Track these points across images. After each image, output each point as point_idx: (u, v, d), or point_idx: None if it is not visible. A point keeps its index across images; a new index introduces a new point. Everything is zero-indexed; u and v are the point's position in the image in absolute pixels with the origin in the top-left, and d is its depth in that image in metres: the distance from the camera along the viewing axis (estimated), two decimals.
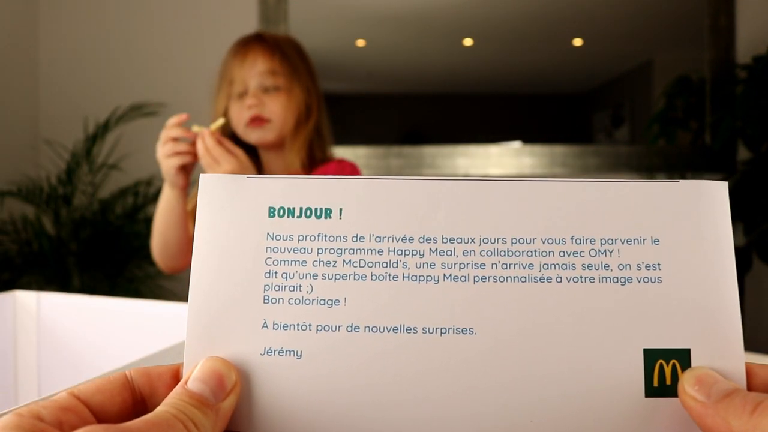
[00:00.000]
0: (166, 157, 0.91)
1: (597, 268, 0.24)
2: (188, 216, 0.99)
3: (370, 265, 0.24)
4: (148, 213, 1.88)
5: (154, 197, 1.86)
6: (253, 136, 0.99)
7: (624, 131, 2.53)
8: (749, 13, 2.03)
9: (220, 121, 0.94)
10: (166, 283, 1.89)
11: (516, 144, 2.38)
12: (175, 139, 0.91)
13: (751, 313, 1.89)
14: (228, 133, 1.01)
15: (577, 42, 3.15)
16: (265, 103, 0.98)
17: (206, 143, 0.87)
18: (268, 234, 0.25)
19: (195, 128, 0.90)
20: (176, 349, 0.38)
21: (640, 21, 2.99)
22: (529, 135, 2.49)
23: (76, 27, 2.08)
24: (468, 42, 3.78)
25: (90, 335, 0.56)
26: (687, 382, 0.22)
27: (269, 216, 0.25)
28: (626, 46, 3.07)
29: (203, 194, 0.25)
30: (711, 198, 0.24)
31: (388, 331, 0.24)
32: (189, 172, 0.94)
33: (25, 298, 0.58)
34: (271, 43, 1.00)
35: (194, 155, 0.90)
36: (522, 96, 2.71)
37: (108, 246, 1.80)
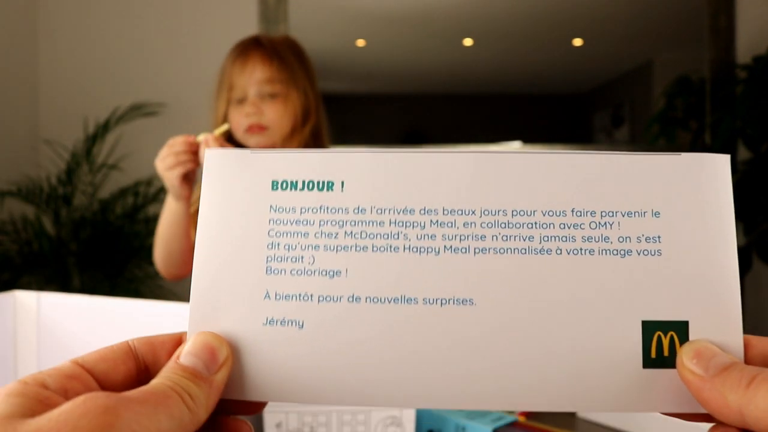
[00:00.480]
0: (168, 169, 0.92)
1: (597, 240, 0.24)
2: (190, 221, 1.00)
3: (371, 236, 0.25)
4: (148, 213, 1.88)
5: (154, 197, 1.86)
6: (251, 141, 1.01)
7: (624, 131, 2.53)
8: (749, 13, 2.03)
9: (225, 127, 0.96)
10: (166, 283, 1.89)
11: (516, 144, 2.38)
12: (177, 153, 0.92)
13: (751, 313, 1.89)
14: (229, 137, 1.03)
15: (577, 42, 3.15)
16: (263, 111, 1.00)
17: (211, 147, 0.88)
18: (271, 206, 0.25)
19: (201, 137, 0.92)
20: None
21: (640, 21, 2.99)
22: (529, 135, 2.49)
23: (76, 27, 2.08)
24: (468, 42, 3.77)
25: (90, 335, 0.56)
26: (685, 355, 0.22)
27: (272, 189, 0.25)
28: (626, 46, 3.07)
29: (208, 169, 0.25)
30: (713, 171, 0.24)
31: (389, 302, 0.24)
32: (192, 180, 0.95)
33: (25, 298, 0.58)
34: (269, 49, 1.02)
35: (195, 161, 0.92)
36: (522, 96, 2.71)
37: (108, 246, 1.80)
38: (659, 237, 0.24)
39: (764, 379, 0.19)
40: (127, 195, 1.87)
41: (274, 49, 1.02)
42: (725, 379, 0.20)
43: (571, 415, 0.73)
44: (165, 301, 0.55)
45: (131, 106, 1.89)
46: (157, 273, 1.89)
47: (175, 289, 1.87)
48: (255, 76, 1.00)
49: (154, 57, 2.07)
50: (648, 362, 0.23)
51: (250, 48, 1.02)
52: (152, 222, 1.87)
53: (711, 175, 0.24)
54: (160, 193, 1.87)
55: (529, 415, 0.74)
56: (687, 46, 2.51)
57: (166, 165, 0.92)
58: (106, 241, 1.80)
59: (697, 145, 2.02)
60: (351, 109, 2.60)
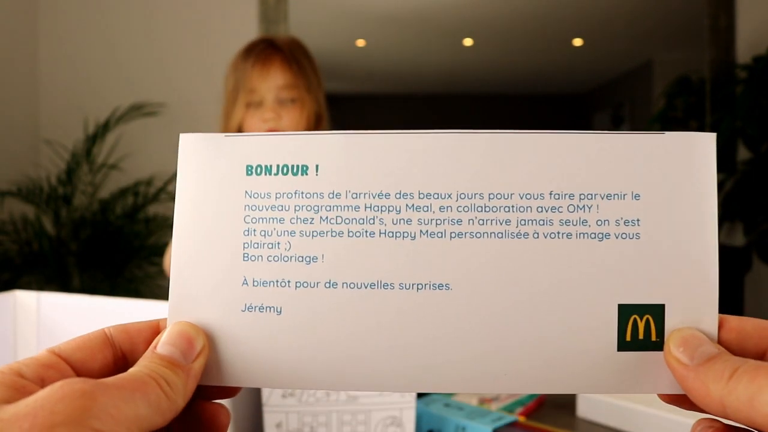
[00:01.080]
0: None
1: (575, 224, 0.24)
2: None
3: (347, 221, 0.24)
4: (148, 213, 1.88)
5: (154, 197, 1.86)
6: None
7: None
8: (749, 13, 2.03)
9: None
10: (166, 283, 1.88)
11: None
12: None
13: (751, 313, 1.89)
14: None
15: (577, 42, 3.14)
16: (281, 116, 1.02)
17: None
18: (246, 192, 0.25)
19: None
20: None
21: (640, 21, 2.99)
22: None
23: (76, 27, 2.08)
24: (468, 42, 3.77)
25: None
26: (673, 343, 0.22)
27: (247, 174, 0.25)
28: (626, 46, 3.07)
29: (183, 154, 0.25)
30: (698, 151, 0.24)
31: (366, 287, 0.24)
32: None
33: (25, 298, 0.58)
34: (288, 54, 1.03)
35: None
36: (522, 96, 2.71)
37: (108, 246, 1.80)
38: (638, 220, 0.24)
39: (745, 371, 0.19)
40: (127, 195, 1.87)
41: (292, 54, 1.03)
42: (709, 369, 0.20)
43: (572, 415, 0.73)
44: (165, 301, 0.55)
45: (131, 106, 1.89)
46: (157, 273, 1.89)
47: None
48: (275, 82, 1.01)
49: (154, 57, 2.07)
50: (623, 345, 0.23)
51: (269, 52, 1.02)
52: (152, 222, 1.88)
53: (696, 155, 0.24)
54: (160, 193, 1.87)
55: (529, 415, 0.74)
56: (687, 46, 2.51)
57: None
58: (106, 241, 1.80)
59: None
60: (351, 109, 2.60)
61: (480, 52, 3.66)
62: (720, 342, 0.23)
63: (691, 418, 0.64)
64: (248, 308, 0.24)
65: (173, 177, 2.22)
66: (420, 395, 0.72)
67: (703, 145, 0.24)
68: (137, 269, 1.86)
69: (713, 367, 0.20)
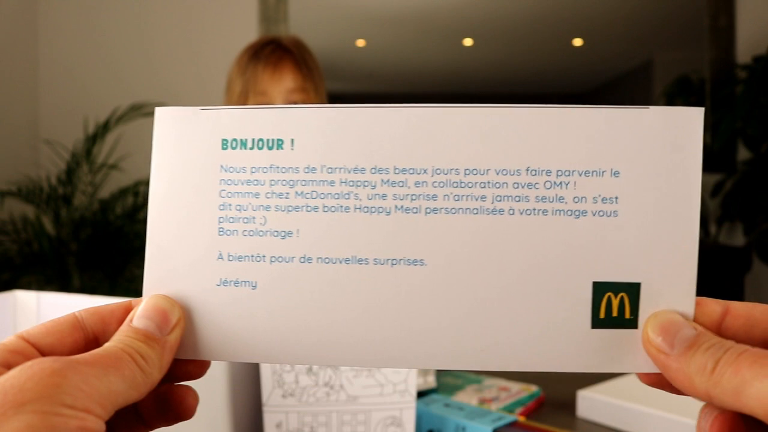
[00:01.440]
0: None
1: (551, 200, 0.23)
2: None
3: (322, 196, 0.24)
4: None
5: None
6: None
7: None
8: (749, 13, 2.03)
9: None
10: None
11: None
12: None
13: None
14: None
15: (577, 42, 3.14)
16: None
17: None
18: (221, 166, 0.25)
19: None
20: None
21: (640, 21, 2.98)
22: None
23: (76, 27, 2.08)
24: (468, 42, 3.77)
25: None
26: (651, 330, 0.22)
27: (222, 148, 0.25)
28: (626, 46, 3.07)
29: (158, 128, 0.25)
30: (684, 127, 0.23)
31: (340, 263, 0.24)
32: None
33: (25, 298, 0.58)
34: (298, 56, 1.02)
35: None
36: (522, 96, 2.71)
37: (108, 246, 1.80)
38: (617, 197, 0.23)
39: (727, 363, 0.19)
40: (127, 195, 1.87)
41: (302, 56, 1.02)
42: (690, 361, 0.20)
43: (572, 415, 0.73)
44: None
45: (131, 106, 1.89)
46: None
47: None
48: (285, 84, 1.00)
49: (154, 57, 2.07)
50: (597, 323, 0.23)
51: (279, 54, 1.01)
52: None
53: (681, 131, 0.23)
54: None
55: (529, 415, 0.74)
56: (687, 46, 2.51)
57: None
58: (106, 241, 1.80)
59: None
60: None
61: (480, 52, 3.66)
62: (726, 329, 0.22)
63: (691, 418, 0.64)
64: (223, 283, 0.24)
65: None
66: (420, 395, 0.72)
67: (690, 119, 0.23)
68: (137, 269, 1.86)
69: (694, 359, 0.20)
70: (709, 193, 1.91)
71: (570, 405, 0.76)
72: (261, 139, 0.25)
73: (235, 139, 0.25)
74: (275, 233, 0.24)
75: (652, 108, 0.23)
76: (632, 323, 0.23)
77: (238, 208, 0.25)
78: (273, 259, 0.24)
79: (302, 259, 0.24)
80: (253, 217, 0.24)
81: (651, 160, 0.23)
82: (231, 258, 0.24)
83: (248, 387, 0.51)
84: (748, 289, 1.85)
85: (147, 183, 1.86)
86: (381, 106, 0.24)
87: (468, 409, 0.62)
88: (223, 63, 2.12)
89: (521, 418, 0.60)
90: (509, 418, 0.60)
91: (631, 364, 0.23)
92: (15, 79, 1.98)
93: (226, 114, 0.25)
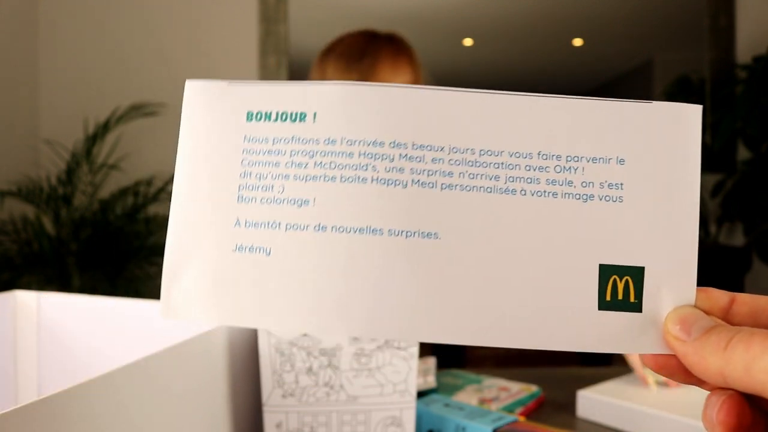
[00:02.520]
0: None
1: (561, 183, 0.24)
2: None
3: (340, 167, 0.25)
4: (148, 213, 1.88)
5: (155, 197, 1.86)
6: None
7: None
8: (749, 13, 2.03)
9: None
10: None
11: None
12: None
13: None
14: None
15: (577, 42, 3.14)
16: None
17: None
18: (245, 137, 0.26)
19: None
20: (177, 348, 0.38)
21: (640, 21, 2.98)
22: None
23: (76, 27, 2.08)
24: (468, 42, 3.77)
25: (90, 335, 0.56)
26: (670, 322, 0.23)
27: (247, 120, 0.26)
28: (626, 46, 3.07)
29: (188, 100, 0.26)
30: (684, 121, 0.24)
31: (355, 232, 0.24)
32: None
33: (25, 298, 0.58)
34: (408, 52, 1.00)
35: None
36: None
37: (108, 246, 1.80)
38: (622, 184, 0.24)
39: (739, 341, 0.20)
40: (127, 195, 1.87)
41: (410, 50, 1.00)
42: (705, 342, 0.21)
43: (572, 415, 0.73)
44: None
45: (131, 106, 1.89)
46: (157, 273, 1.89)
47: None
48: (403, 79, 0.98)
49: (154, 57, 2.07)
50: (603, 305, 0.24)
51: (397, 48, 0.99)
52: (152, 222, 1.87)
53: (681, 124, 0.24)
54: (160, 193, 1.87)
55: (529, 415, 0.74)
56: (687, 46, 2.51)
57: None
58: (106, 241, 1.80)
59: None
60: None
61: (480, 52, 3.66)
62: (732, 317, 0.23)
63: (691, 418, 0.64)
64: (239, 248, 0.25)
65: (173, 177, 2.25)
66: (420, 395, 0.72)
67: (690, 115, 0.24)
68: (137, 269, 1.86)
69: (710, 339, 0.21)
70: (709, 193, 1.91)
71: (570, 405, 0.76)
72: (285, 113, 0.25)
73: (260, 112, 0.26)
74: (292, 201, 0.25)
75: (655, 103, 0.25)
76: (636, 307, 0.24)
77: (257, 176, 0.25)
78: (288, 227, 0.25)
79: (317, 228, 0.24)
80: (272, 186, 0.25)
81: (654, 151, 0.24)
82: (248, 224, 0.25)
83: (248, 387, 0.51)
84: (748, 289, 1.85)
85: (147, 183, 1.87)
86: (401, 86, 0.25)
87: (468, 409, 0.62)
88: (223, 63, 2.12)
89: (521, 418, 0.60)
90: (509, 418, 0.59)
91: (636, 345, 0.24)
92: (15, 79, 1.98)
93: (253, 88, 0.26)
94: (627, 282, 0.24)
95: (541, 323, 0.24)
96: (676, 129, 0.24)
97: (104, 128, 1.82)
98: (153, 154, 2.00)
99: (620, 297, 0.24)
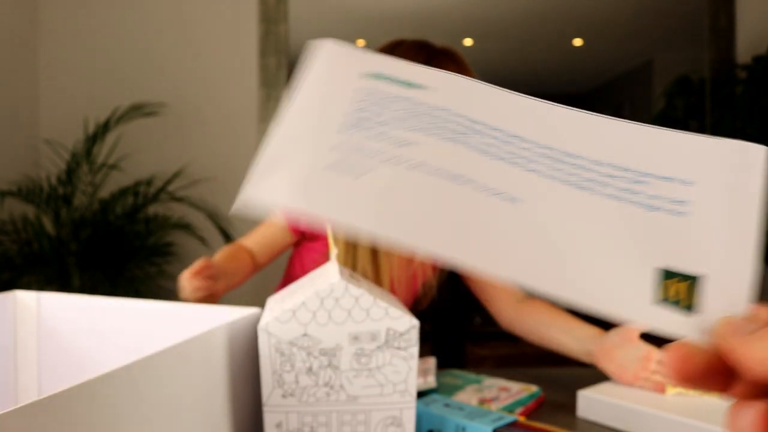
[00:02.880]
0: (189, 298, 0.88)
1: (632, 192, 0.27)
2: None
3: (445, 128, 0.28)
4: (148, 213, 1.88)
5: (155, 197, 1.86)
6: None
7: None
8: (749, 13, 2.03)
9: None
10: (166, 283, 1.89)
11: None
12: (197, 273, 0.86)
13: None
14: None
15: (577, 42, 3.14)
16: None
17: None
18: (363, 87, 0.29)
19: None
20: (177, 348, 0.38)
21: (640, 21, 2.98)
22: None
23: (77, 27, 2.08)
24: (468, 42, 3.76)
25: (90, 335, 0.56)
26: (721, 327, 0.24)
27: (368, 77, 0.30)
28: (626, 46, 3.07)
29: (319, 53, 0.30)
30: (749, 157, 0.27)
31: (446, 179, 0.27)
32: (216, 299, 0.92)
33: (25, 298, 0.58)
34: (470, 74, 0.97)
35: (207, 289, 0.85)
36: None
37: (108, 246, 1.80)
38: (688, 202, 0.27)
39: None
40: (127, 195, 1.87)
41: (469, 70, 0.98)
42: (752, 336, 0.22)
43: (572, 415, 0.73)
44: (165, 301, 0.55)
45: (131, 106, 1.89)
46: (157, 273, 1.89)
47: (175, 289, 1.87)
48: None
49: (154, 57, 2.07)
50: (657, 301, 0.26)
51: (458, 66, 0.97)
52: (152, 222, 1.87)
53: (746, 159, 0.27)
54: (160, 193, 1.87)
55: (529, 415, 0.74)
56: (687, 46, 2.51)
57: (185, 295, 0.88)
58: (106, 241, 1.80)
59: None
60: None
61: (480, 52, 3.66)
62: None
63: (691, 418, 0.64)
64: (330, 167, 0.27)
65: (173, 177, 2.24)
66: (420, 395, 0.72)
67: (754, 153, 0.27)
68: (137, 269, 1.86)
69: (758, 334, 0.22)
70: None
71: (570, 405, 0.76)
72: (408, 81, 0.29)
73: (382, 73, 0.30)
74: (396, 139, 0.28)
75: (726, 140, 0.28)
76: (689, 308, 0.26)
77: (364, 114, 0.28)
78: (384, 159, 0.27)
79: (412, 165, 0.27)
80: (384, 121, 0.28)
81: (722, 179, 0.27)
82: (345, 150, 0.28)
83: (248, 387, 0.51)
84: None
85: (147, 183, 1.86)
86: (507, 92, 0.29)
87: (468, 409, 0.62)
88: (223, 63, 2.12)
89: (521, 418, 0.60)
90: (509, 418, 0.59)
91: (681, 333, 0.25)
92: (15, 79, 1.98)
93: (386, 59, 0.30)
94: (683, 286, 0.26)
95: (596, 300, 0.26)
96: (740, 162, 0.27)
97: (104, 128, 1.82)
98: (153, 154, 2.00)
99: (674, 298, 0.26)
